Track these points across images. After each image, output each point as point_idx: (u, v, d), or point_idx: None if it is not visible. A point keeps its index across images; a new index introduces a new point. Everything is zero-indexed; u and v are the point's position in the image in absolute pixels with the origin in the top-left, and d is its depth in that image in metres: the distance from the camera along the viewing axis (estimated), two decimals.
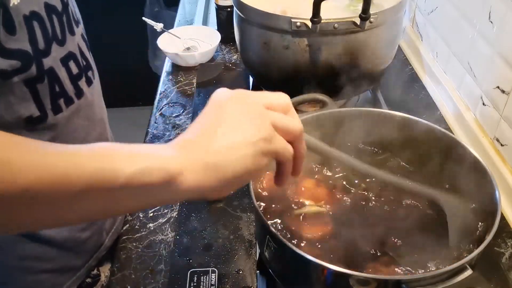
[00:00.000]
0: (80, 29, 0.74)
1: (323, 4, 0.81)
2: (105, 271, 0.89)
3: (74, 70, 0.70)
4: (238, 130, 0.44)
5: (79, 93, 0.71)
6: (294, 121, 0.48)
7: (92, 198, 0.38)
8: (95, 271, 0.87)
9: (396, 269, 0.57)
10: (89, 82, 0.74)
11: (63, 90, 0.67)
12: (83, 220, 0.51)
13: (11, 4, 0.56)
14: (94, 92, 0.76)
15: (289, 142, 0.48)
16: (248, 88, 1.16)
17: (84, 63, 0.73)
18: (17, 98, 0.61)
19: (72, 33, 0.70)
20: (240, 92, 0.47)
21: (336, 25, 0.85)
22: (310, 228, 0.64)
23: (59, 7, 0.67)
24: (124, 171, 0.38)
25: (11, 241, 0.71)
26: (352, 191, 0.70)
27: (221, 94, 0.47)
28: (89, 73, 0.75)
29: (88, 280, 0.86)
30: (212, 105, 0.47)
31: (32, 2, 0.61)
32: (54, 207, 0.37)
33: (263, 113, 0.46)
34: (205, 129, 0.45)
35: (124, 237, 0.82)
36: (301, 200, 0.69)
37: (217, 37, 1.31)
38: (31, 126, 0.65)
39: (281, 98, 0.49)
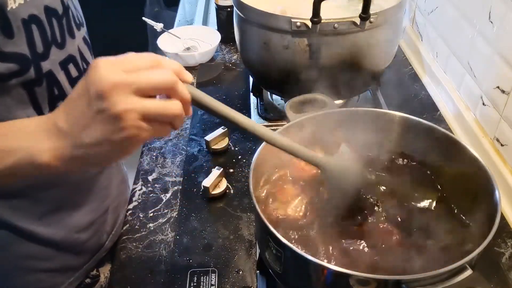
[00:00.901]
0: (82, 32, 0.74)
1: (323, 4, 0.81)
2: (105, 271, 0.89)
3: (74, 73, 0.70)
4: (101, 129, 0.46)
5: None
6: (167, 108, 0.48)
7: None
8: (94, 272, 0.87)
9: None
10: None
11: (62, 93, 0.67)
12: None
13: (8, 8, 0.57)
14: None
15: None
16: (248, 88, 1.17)
17: (85, 66, 0.73)
18: (14, 100, 0.61)
19: (72, 36, 0.70)
20: (109, 80, 0.45)
21: (336, 25, 0.85)
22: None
23: (60, 10, 0.67)
24: (1, 165, 0.49)
25: (9, 241, 0.71)
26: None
27: (93, 82, 0.45)
28: None
29: (87, 280, 0.86)
30: (85, 90, 0.47)
31: (31, 6, 0.61)
32: None
33: (126, 111, 0.45)
34: (72, 117, 0.48)
35: (124, 237, 0.82)
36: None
37: (217, 37, 1.31)
38: None
39: (159, 78, 0.47)
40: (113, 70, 0.45)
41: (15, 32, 0.58)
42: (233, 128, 1.03)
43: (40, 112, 0.65)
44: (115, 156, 0.49)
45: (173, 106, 0.48)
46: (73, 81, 0.69)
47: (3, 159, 0.49)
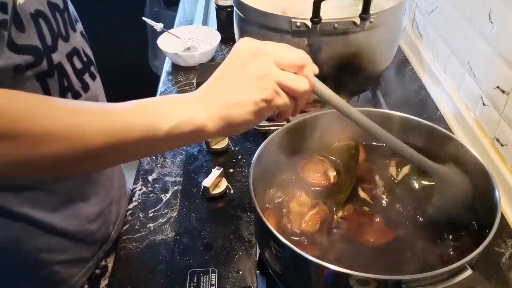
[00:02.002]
0: (79, 27, 0.75)
1: (323, 4, 0.81)
2: (111, 262, 0.89)
3: (78, 65, 0.71)
4: (245, 90, 0.52)
5: (85, 87, 0.72)
6: (299, 82, 0.54)
7: (140, 147, 0.52)
8: (103, 262, 0.87)
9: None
10: (93, 77, 0.75)
11: (70, 84, 0.69)
12: (133, 159, 0.58)
13: (17, 3, 0.58)
14: (98, 87, 0.78)
15: (293, 97, 0.55)
16: None
17: (86, 59, 0.75)
18: (28, 91, 0.62)
19: (74, 29, 0.72)
20: (257, 47, 0.54)
21: (336, 25, 0.85)
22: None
23: (61, 5, 0.69)
24: (163, 127, 0.51)
25: (26, 234, 0.72)
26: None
27: (239, 50, 0.55)
28: (92, 68, 0.76)
29: (97, 271, 0.86)
30: (229, 61, 0.55)
31: (36, 1, 0.62)
32: (114, 156, 0.53)
33: (269, 73, 0.52)
34: (220, 86, 0.54)
35: (124, 237, 0.82)
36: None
37: (217, 37, 1.31)
38: None
39: (295, 56, 0.54)
40: (257, 42, 0.54)
41: (26, 26, 0.60)
42: None
43: None
44: (253, 119, 0.53)
45: (303, 82, 0.54)
46: (78, 73, 0.71)
47: (168, 123, 0.52)
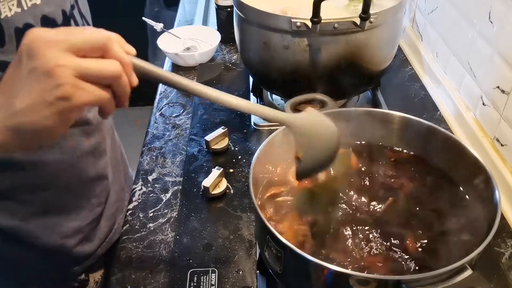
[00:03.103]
0: None
1: (323, 4, 0.81)
2: (95, 276, 0.88)
3: None
4: (34, 91, 0.43)
5: (81, 117, 0.69)
6: (104, 65, 0.44)
7: None
8: (82, 276, 0.85)
9: None
10: None
11: None
12: None
13: (2, 16, 0.56)
14: None
15: (107, 85, 0.45)
16: (248, 88, 1.17)
17: None
18: None
19: None
20: (43, 38, 0.43)
21: (336, 25, 0.85)
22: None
23: (59, 19, 0.65)
24: None
25: None
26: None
27: (22, 45, 0.44)
28: None
29: (75, 284, 0.85)
30: (14, 60, 0.45)
31: (29, 15, 0.59)
32: None
33: (60, 65, 0.42)
34: (7, 88, 0.45)
35: (124, 237, 0.82)
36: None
37: (217, 37, 1.31)
38: None
39: (94, 37, 0.44)
40: (45, 31, 0.43)
41: (7, 41, 0.57)
42: (233, 128, 1.03)
43: None
44: (54, 124, 0.45)
45: (110, 64, 0.44)
46: None
47: None
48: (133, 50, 0.48)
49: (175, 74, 0.51)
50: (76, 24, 0.69)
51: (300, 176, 0.62)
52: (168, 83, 0.51)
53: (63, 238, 0.78)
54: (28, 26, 0.59)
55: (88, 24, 0.74)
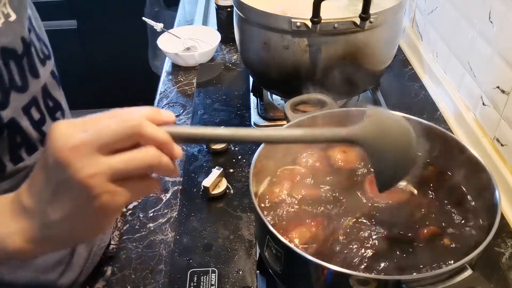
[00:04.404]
0: (48, 67, 0.68)
1: (323, 4, 0.81)
2: None
3: (36, 116, 0.64)
4: (68, 203, 0.41)
5: (44, 138, 0.64)
6: (138, 160, 0.41)
7: None
8: None
9: None
10: None
11: (26, 139, 0.62)
12: None
13: None
14: None
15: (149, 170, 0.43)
16: (248, 88, 1.17)
17: (52, 104, 0.68)
18: None
19: (36, 75, 0.64)
20: (69, 142, 0.39)
21: (336, 25, 0.85)
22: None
23: (20, 49, 0.60)
24: None
25: None
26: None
27: (52, 152, 0.40)
28: (58, 114, 0.69)
29: None
30: (44, 162, 0.42)
31: None
32: None
33: (93, 176, 0.39)
34: (36, 193, 0.42)
35: (124, 237, 0.82)
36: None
37: (217, 37, 1.31)
38: None
39: (119, 127, 0.40)
40: (72, 131, 0.40)
41: None
42: None
43: None
44: (94, 230, 0.43)
45: (144, 154, 0.41)
46: (36, 125, 0.63)
47: None
48: (170, 117, 0.44)
49: (216, 128, 0.46)
50: (36, 50, 0.64)
51: (382, 188, 0.55)
52: (214, 139, 0.48)
53: (43, 273, 0.73)
54: None
55: (45, 46, 0.68)
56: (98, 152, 0.39)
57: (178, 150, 0.43)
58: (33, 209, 0.42)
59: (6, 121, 0.58)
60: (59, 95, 0.71)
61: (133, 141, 0.41)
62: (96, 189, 0.39)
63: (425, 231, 0.61)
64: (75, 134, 0.39)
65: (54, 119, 0.68)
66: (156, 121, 0.42)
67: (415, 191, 0.69)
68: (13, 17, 0.59)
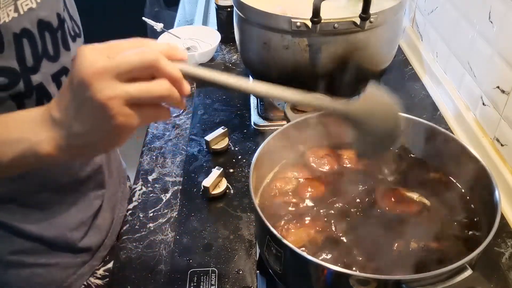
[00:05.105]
0: (78, 43, 0.74)
1: (323, 4, 0.81)
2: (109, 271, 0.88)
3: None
4: (89, 119, 0.47)
5: None
6: (152, 90, 0.46)
7: None
8: (101, 272, 0.86)
9: None
10: None
11: None
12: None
13: (1, 22, 0.56)
14: None
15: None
16: None
17: None
18: (3, 111, 0.61)
19: (67, 48, 0.70)
20: (92, 66, 0.44)
21: (336, 25, 0.85)
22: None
23: (55, 23, 0.66)
24: (4, 157, 0.50)
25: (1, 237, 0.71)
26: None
27: (77, 71, 0.45)
28: None
29: (96, 281, 0.85)
30: (70, 80, 0.47)
31: (25, 19, 0.60)
32: None
33: (111, 99, 0.45)
34: (63, 106, 0.48)
35: (124, 237, 0.82)
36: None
37: (217, 37, 1.31)
38: None
39: (140, 61, 0.45)
40: (96, 57, 0.45)
41: (6, 46, 0.58)
42: (233, 128, 1.03)
43: None
44: (110, 144, 0.49)
45: (158, 86, 0.46)
46: None
47: (6, 152, 0.50)
48: (184, 55, 0.49)
49: (224, 74, 0.51)
50: (68, 27, 0.70)
51: (360, 155, 0.63)
52: (219, 85, 0.52)
53: (70, 231, 0.79)
54: (25, 31, 0.61)
55: (77, 26, 0.75)
56: (117, 78, 0.45)
57: (187, 86, 0.49)
58: (61, 121, 0.48)
59: (35, 85, 0.63)
60: None
61: (149, 72, 0.46)
62: (113, 110, 0.45)
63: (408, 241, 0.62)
64: (99, 59, 0.44)
65: None
66: (171, 57, 0.48)
67: (428, 203, 0.68)
68: None
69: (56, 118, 0.48)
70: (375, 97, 0.61)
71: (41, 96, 0.66)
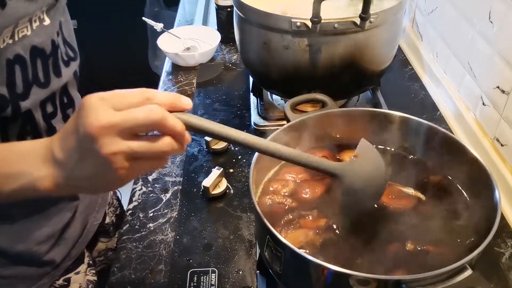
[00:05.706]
0: (72, 67, 0.73)
1: (323, 4, 0.81)
2: (78, 280, 0.86)
3: (50, 109, 0.70)
4: (91, 167, 0.48)
5: (52, 131, 0.70)
6: (155, 147, 0.48)
7: None
8: (60, 282, 0.84)
9: None
10: (67, 120, 0.72)
11: (35, 128, 0.68)
12: None
13: None
14: None
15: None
16: (248, 88, 1.17)
17: (66, 101, 0.73)
18: None
19: (58, 74, 0.70)
20: (99, 121, 0.46)
21: (336, 25, 0.85)
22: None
23: (48, 50, 0.66)
24: (4, 190, 0.52)
25: None
26: None
27: (83, 122, 0.46)
28: (69, 111, 0.74)
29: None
30: (75, 125, 0.48)
31: (19, 46, 0.61)
32: None
33: (115, 154, 0.47)
34: (65, 147, 0.49)
35: (124, 237, 0.82)
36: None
37: (217, 37, 1.31)
38: None
39: (146, 119, 0.47)
40: (102, 111, 0.46)
41: None
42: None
43: (5, 140, 0.65)
44: (109, 189, 0.53)
45: (159, 144, 0.48)
46: (47, 118, 0.69)
47: (6, 184, 0.52)
48: (188, 104, 0.51)
49: (226, 127, 0.53)
50: (61, 53, 0.71)
51: (344, 213, 0.64)
52: (221, 137, 0.53)
53: (37, 245, 0.77)
54: (18, 57, 0.61)
55: (72, 50, 0.74)
56: (122, 134, 0.47)
57: (188, 137, 0.51)
58: (63, 163, 0.50)
59: (23, 111, 0.64)
60: (75, 93, 0.77)
61: (153, 129, 0.48)
62: (115, 164, 0.47)
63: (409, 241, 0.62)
64: (105, 114, 0.46)
65: (65, 114, 0.73)
66: (176, 107, 0.50)
67: (423, 197, 0.68)
68: (47, 22, 0.66)
69: (58, 159, 0.50)
70: (364, 159, 0.63)
71: (26, 121, 0.66)
